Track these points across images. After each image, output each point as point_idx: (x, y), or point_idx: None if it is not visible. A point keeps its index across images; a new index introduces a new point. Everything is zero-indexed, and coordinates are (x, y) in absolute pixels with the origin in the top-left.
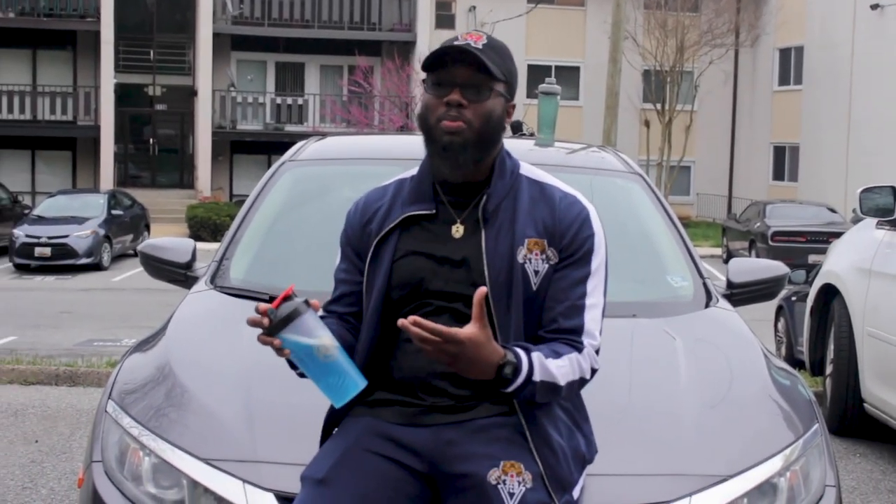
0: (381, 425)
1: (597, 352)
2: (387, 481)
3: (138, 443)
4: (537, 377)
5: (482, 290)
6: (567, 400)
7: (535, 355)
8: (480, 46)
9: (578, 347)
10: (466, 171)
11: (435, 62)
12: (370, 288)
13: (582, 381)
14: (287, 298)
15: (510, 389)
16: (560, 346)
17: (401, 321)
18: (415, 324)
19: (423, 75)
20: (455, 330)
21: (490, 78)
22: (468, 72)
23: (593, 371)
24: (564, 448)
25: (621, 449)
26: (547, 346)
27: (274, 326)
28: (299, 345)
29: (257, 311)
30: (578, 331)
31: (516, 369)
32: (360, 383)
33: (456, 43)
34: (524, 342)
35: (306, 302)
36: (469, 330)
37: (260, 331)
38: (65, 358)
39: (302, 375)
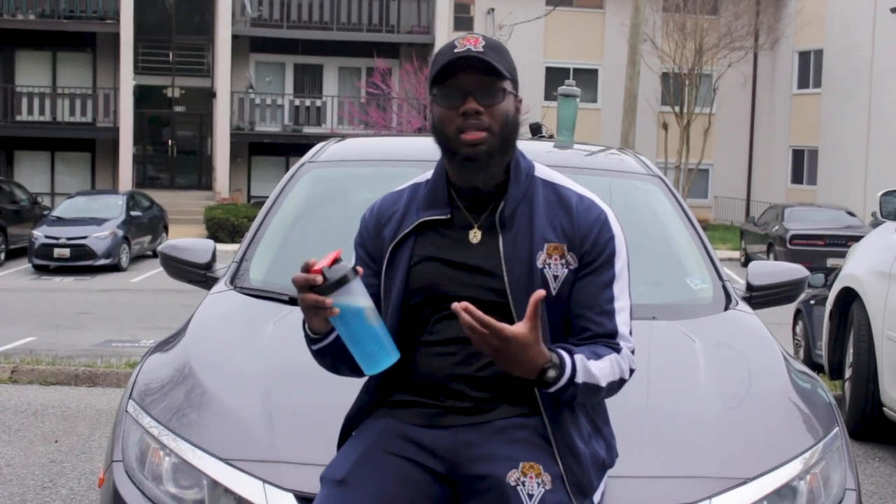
0: (401, 427)
1: (632, 352)
2: (406, 482)
3: (159, 442)
4: (580, 379)
5: (540, 292)
6: (590, 404)
7: (578, 357)
8: (482, 49)
9: (616, 348)
10: (497, 177)
11: (442, 73)
12: (387, 293)
13: (621, 382)
14: (336, 261)
15: (552, 390)
16: (599, 347)
17: (454, 305)
18: (466, 310)
19: None
20: (504, 325)
21: (499, 78)
22: (477, 77)
23: (631, 371)
24: (586, 453)
25: (641, 451)
26: (587, 348)
27: (328, 286)
28: (350, 306)
29: (307, 269)
30: (613, 335)
31: (560, 373)
32: (393, 355)
33: (456, 51)
34: (566, 343)
35: (354, 268)
36: (518, 328)
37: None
38: (84, 358)
39: (319, 353)
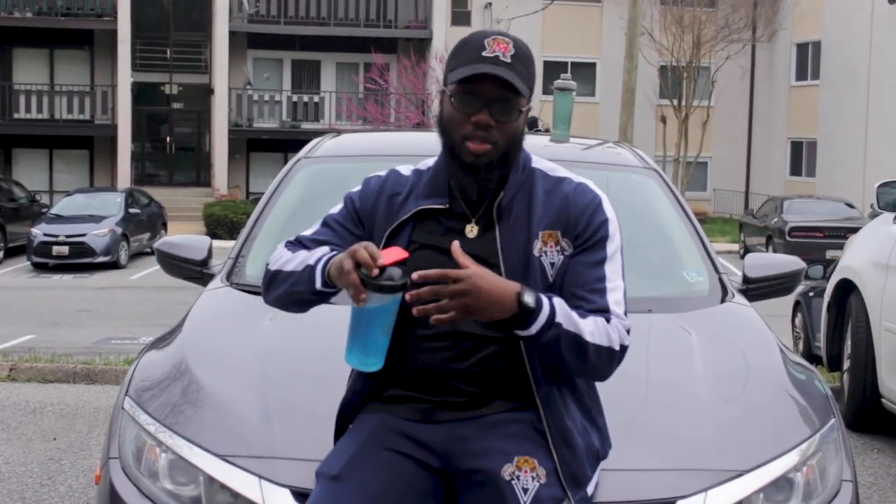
0: (396, 422)
1: (628, 331)
2: (401, 477)
3: (155, 439)
4: (560, 319)
5: (455, 243)
6: (584, 396)
7: (556, 299)
8: (509, 59)
9: (606, 318)
10: (490, 187)
11: (463, 76)
12: None
13: (611, 352)
14: (399, 263)
15: (533, 329)
16: (586, 313)
17: (408, 296)
18: (420, 278)
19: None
20: (453, 269)
21: (518, 95)
22: (497, 90)
23: (623, 347)
24: (581, 444)
25: (637, 444)
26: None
27: (379, 285)
28: (377, 308)
29: (371, 255)
30: (605, 310)
31: (537, 300)
32: (376, 366)
33: (485, 53)
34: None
35: (405, 283)
36: (470, 266)
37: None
38: (82, 356)
39: (313, 294)
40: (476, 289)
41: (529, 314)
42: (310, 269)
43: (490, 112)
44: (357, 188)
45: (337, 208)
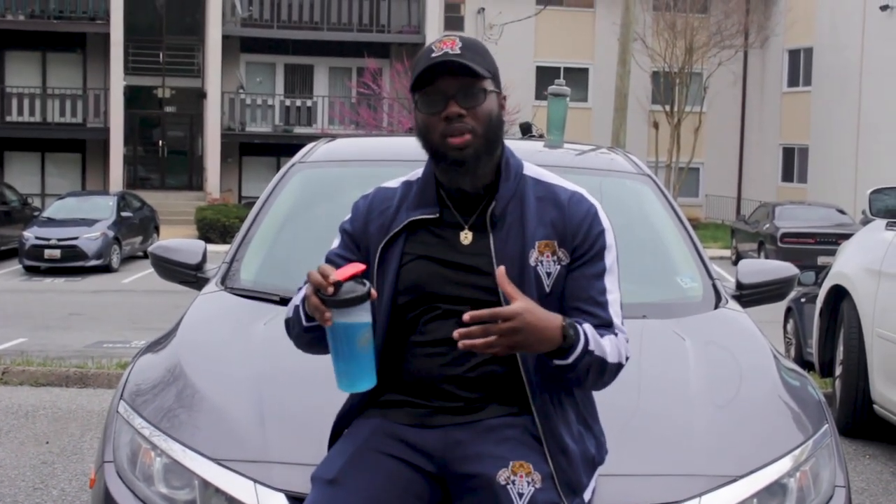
0: (392, 426)
1: (626, 341)
2: (397, 482)
3: (150, 443)
4: (592, 346)
5: (501, 268)
6: (580, 402)
7: (586, 325)
8: (459, 51)
9: (615, 333)
10: (485, 178)
11: (421, 79)
12: (379, 292)
13: (619, 367)
14: (355, 277)
15: (571, 359)
16: (599, 329)
17: (457, 333)
18: (471, 319)
19: None
20: (506, 307)
21: (478, 78)
22: (456, 80)
23: (627, 359)
24: (576, 451)
25: (631, 449)
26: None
27: (338, 301)
28: (347, 326)
29: (323, 274)
30: (609, 324)
31: (576, 334)
32: (370, 383)
33: (433, 55)
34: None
35: (367, 293)
36: (518, 301)
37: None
38: (75, 360)
39: (306, 330)
40: (526, 325)
41: (570, 345)
42: (297, 309)
43: (457, 102)
44: (347, 216)
45: (336, 243)
